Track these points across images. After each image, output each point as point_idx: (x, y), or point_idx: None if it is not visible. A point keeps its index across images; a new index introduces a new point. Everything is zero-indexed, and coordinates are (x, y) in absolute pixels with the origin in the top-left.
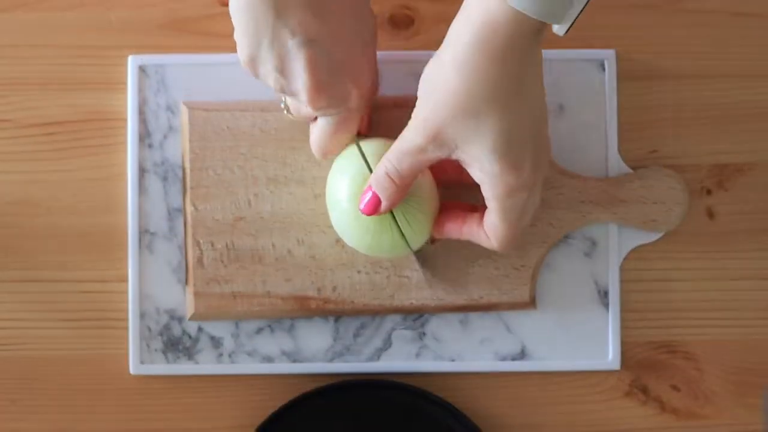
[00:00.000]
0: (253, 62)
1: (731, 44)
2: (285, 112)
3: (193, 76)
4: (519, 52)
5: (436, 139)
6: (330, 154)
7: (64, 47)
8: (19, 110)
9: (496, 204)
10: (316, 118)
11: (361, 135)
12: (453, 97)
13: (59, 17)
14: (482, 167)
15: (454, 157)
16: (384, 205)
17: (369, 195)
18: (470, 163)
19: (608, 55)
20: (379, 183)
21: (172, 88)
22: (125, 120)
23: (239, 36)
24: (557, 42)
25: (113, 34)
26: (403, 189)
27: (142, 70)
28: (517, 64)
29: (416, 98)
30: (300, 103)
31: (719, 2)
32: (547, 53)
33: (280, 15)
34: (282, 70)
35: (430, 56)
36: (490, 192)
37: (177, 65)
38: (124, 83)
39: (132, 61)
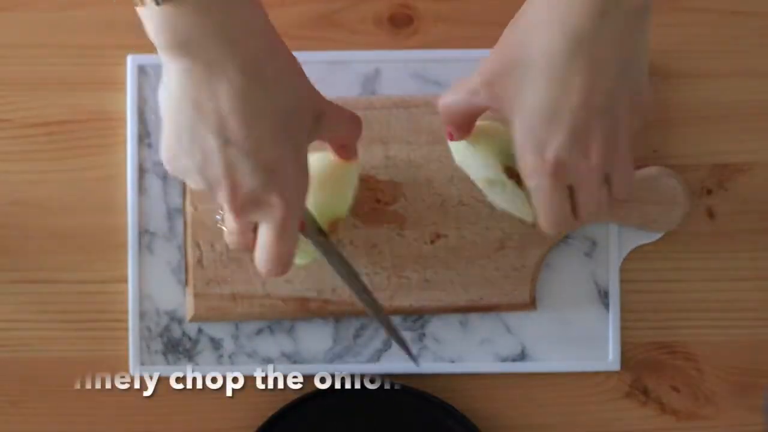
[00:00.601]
0: (175, 157)
1: (731, 43)
2: (219, 225)
3: None
4: (595, 41)
5: (489, 84)
6: (282, 264)
7: (64, 47)
8: (19, 110)
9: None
10: (255, 231)
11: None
12: (518, 56)
13: (59, 17)
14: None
15: (498, 115)
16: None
17: None
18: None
19: None
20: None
21: None
22: (125, 120)
23: (164, 128)
24: None
25: (113, 33)
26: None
27: (141, 69)
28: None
29: (416, 97)
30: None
31: (719, 1)
32: None
33: (200, 111)
34: (204, 170)
35: (430, 55)
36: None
37: None
38: (124, 83)
39: (131, 61)
